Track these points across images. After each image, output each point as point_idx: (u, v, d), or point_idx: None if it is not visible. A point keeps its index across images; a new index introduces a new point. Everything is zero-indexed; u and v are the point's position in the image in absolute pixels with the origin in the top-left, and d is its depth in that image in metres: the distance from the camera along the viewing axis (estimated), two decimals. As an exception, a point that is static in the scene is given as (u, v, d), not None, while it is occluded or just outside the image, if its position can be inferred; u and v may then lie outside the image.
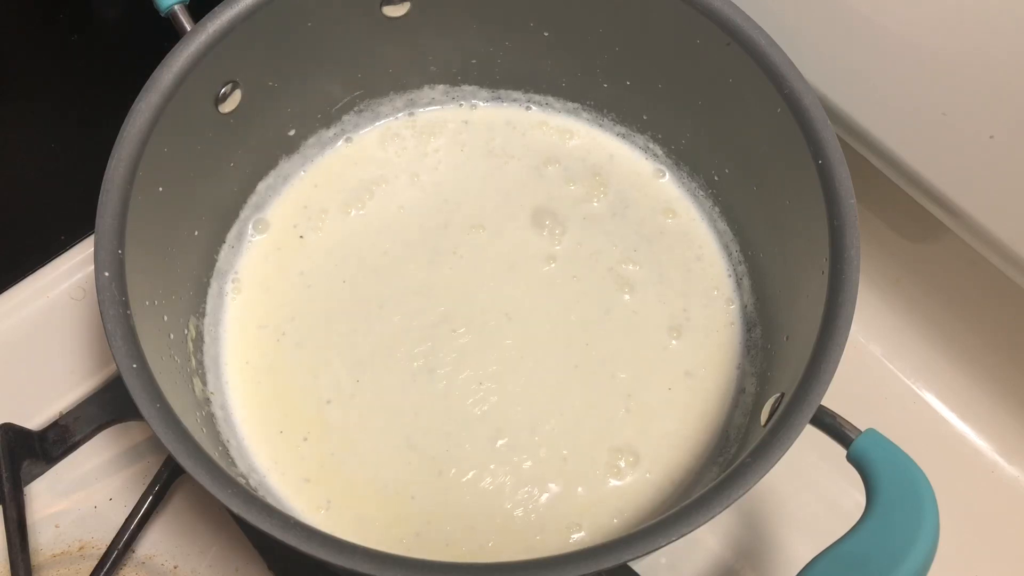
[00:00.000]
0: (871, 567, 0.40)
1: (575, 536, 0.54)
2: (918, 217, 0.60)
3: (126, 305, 0.45)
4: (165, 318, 0.52)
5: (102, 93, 0.72)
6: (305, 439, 0.56)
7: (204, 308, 0.58)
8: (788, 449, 0.43)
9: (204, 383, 0.56)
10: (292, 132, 0.62)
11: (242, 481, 0.43)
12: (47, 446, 0.61)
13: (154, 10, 0.53)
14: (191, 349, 0.55)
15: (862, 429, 0.44)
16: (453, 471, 0.55)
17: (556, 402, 0.57)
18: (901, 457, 0.43)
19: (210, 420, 0.54)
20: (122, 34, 0.76)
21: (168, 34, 0.52)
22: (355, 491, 0.55)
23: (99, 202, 0.47)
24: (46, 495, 0.61)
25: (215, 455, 0.43)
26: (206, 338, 0.58)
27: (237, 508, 0.41)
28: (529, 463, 0.55)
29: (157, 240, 0.51)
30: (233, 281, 0.61)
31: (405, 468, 0.55)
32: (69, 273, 0.65)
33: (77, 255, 0.65)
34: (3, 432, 0.59)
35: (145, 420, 0.43)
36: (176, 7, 0.52)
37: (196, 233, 0.57)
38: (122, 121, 0.49)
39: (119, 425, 0.63)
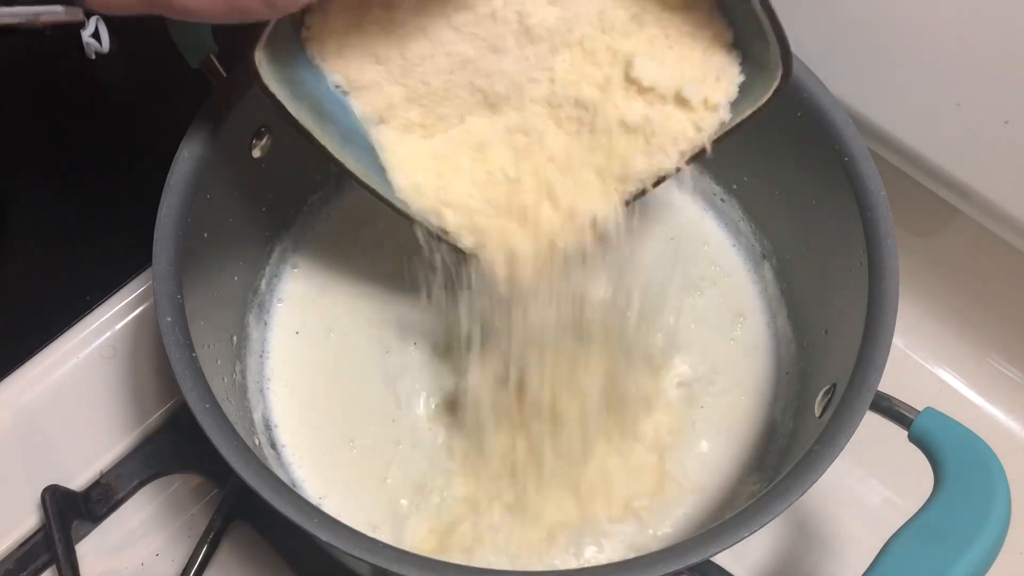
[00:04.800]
0: (952, 539, 0.41)
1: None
2: (923, 211, 0.63)
3: (191, 348, 0.46)
4: (219, 362, 0.52)
5: (119, 159, 0.73)
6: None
7: (245, 353, 0.59)
8: (853, 434, 0.44)
9: (255, 427, 0.56)
10: (318, 176, 0.63)
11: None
12: (91, 506, 0.61)
13: (153, 75, 0.54)
14: (239, 392, 0.56)
15: (919, 409, 0.46)
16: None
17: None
18: (964, 431, 0.44)
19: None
20: (132, 101, 0.76)
21: (174, 94, 0.53)
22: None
23: (154, 250, 0.47)
24: (93, 555, 0.60)
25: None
26: (249, 383, 0.58)
27: (326, 536, 0.41)
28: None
29: (205, 286, 0.52)
30: (268, 325, 0.61)
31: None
32: (97, 332, 0.65)
33: (104, 314, 0.65)
34: (50, 494, 0.58)
35: (224, 459, 0.43)
36: (208, 56, 0.53)
37: (235, 278, 0.57)
38: (138, 184, 0.50)
39: (160, 480, 0.63)
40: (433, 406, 0.59)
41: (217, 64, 0.53)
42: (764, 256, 0.63)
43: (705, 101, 0.47)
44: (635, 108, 0.48)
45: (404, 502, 0.56)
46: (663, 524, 0.56)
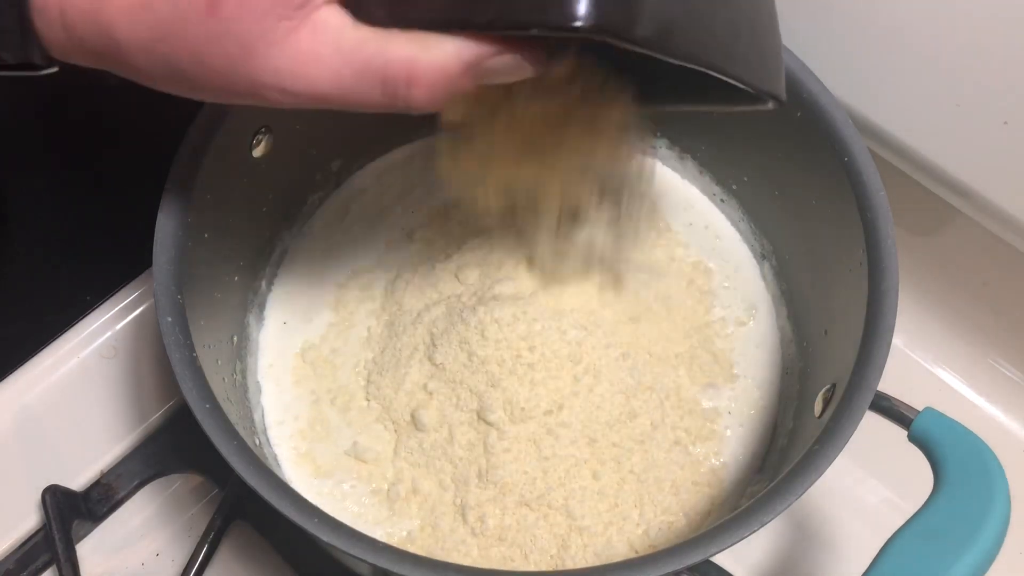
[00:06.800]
0: (950, 538, 0.41)
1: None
2: (924, 211, 0.63)
3: (191, 348, 0.46)
4: (219, 362, 0.52)
5: (119, 159, 0.73)
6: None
7: (244, 353, 0.59)
8: (853, 433, 0.44)
9: (255, 426, 0.56)
10: (318, 176, 0.63)
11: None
12: (92, 505, 0.61)
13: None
14: (239, 392, 0.56)
15: (919, 409, 0.46)
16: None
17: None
18: (963, 431, 0.44)
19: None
20: (132, 101, 0.76)
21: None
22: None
23: (154, 250, 0.48)
24: (94, 555, 0.61)
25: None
26: (249, 383, 0.58)
27: (327, 536, 0.41)
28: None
29: (205, 286, 0.52)
30: (267, 327, 0.61)
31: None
32: (98, 332, 0.65)
33: (104, 314, 0.65)
34: (51, 494, 0.58)
35: (224, 459, 0.43)
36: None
37: (236, 278, 0.57)
38: (138, 184, 0.51)
39: (160, 480, 0.63)
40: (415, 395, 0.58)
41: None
42: (764, 256, 0.63)
43: None
44: None
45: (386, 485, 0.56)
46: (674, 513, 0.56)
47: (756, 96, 0.42)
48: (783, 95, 0.43)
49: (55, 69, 0.37)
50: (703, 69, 0.38)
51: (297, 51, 0.35)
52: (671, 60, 0.37)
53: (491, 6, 0.35)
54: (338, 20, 0.36)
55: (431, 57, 0.35)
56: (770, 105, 0.43)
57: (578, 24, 0.34)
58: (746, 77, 0.40)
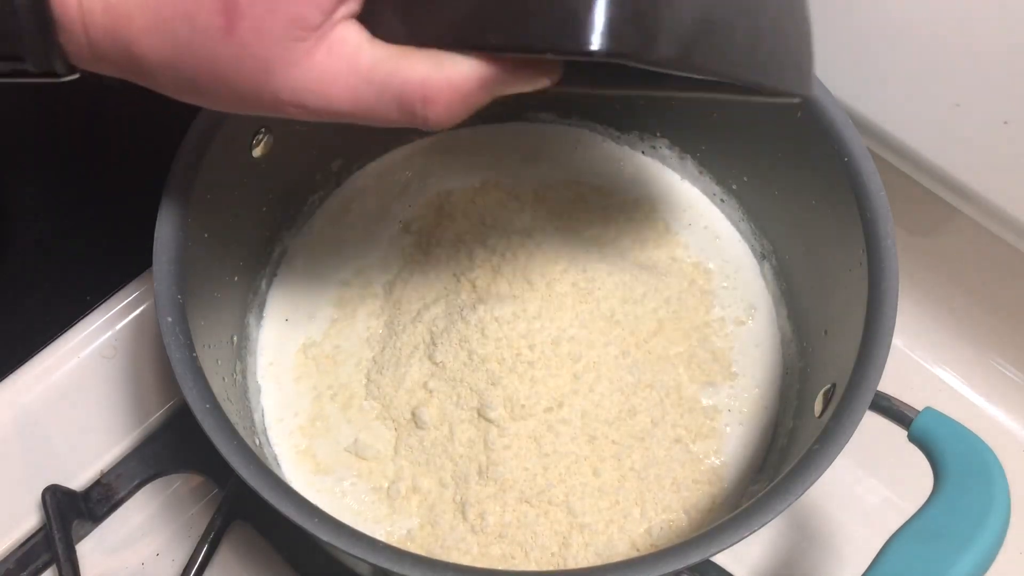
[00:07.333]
0: (951, 538, 0.41)
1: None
2: (924, 211, 0.63)
3: (191, 348, 0.46)
4: (219, 362, 0.52)
5: (120, 159, 0.73)
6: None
7: (244, 353, 0.59)
8: (853, 433, 0.44)
9: (255, 426, 0.56)
10: (318, 176, 0.63)
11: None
12: (92, 505, 0.61)
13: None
14: (239, 392, 0.56)
15: (919, 409, 0.46)
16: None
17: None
18: (963, 431, 0.44)
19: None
20: (132, 100, 0.76)
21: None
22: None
23: (154, 250, 0.48)
24: (93, 555, 0.61)
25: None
26: (249, 383, 0.58)
27: (327, 536, 0.41)
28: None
29: (205, 286, 0.52)
30: (267, 326, 0.61)
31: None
32: (98, 332, 0.65)
33: (104, 314, 0.65)
34: (51, 494, 0.59)
35: (224, 458, 0.43)
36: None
37: (236, 278, 0.57)
38: (138, 184, 0.51)
39: (160, 480, 0.63)
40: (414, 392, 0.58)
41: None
42: (764, 256, 0.63)
43: None
44: None
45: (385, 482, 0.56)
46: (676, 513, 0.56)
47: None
48: (809, 91, 0.42)
49: (77, 76, 0.37)
50: (723, 80, 0.38)
51: (315, 70, 0.35)
52: (689, 75, 0.37)
53: (504, 29, 0.35)
54: (355, 38, 0.36)
55: (446, 76, 0.36)
56: (794, 100, 0.42)
57: (593, 48, 0.33)
58: (769, 83, 0.40)
